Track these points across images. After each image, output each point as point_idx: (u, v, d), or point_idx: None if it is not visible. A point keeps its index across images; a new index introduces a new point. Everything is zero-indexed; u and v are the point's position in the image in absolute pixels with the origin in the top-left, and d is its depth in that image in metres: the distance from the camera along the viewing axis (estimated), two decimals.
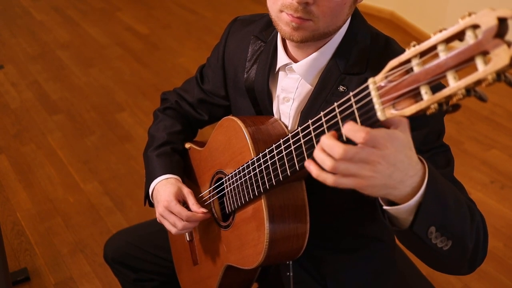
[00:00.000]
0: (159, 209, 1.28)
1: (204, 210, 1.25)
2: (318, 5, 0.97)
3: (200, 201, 1.31)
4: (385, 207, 0.85)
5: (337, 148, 0.74)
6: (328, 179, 0.77)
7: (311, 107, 1.11)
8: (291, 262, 1.24)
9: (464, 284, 2.13)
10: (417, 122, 0.91)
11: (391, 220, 0.88)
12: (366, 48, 1.08)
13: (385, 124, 0.76)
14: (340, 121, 0.78)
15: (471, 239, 0.90)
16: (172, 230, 1.27)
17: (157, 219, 1.31)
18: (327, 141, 0.75)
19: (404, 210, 0.83)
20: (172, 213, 1.26)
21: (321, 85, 1.09)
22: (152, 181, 1.35)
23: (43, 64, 3.82)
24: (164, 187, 1.30)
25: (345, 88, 1.07)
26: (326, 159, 0.76)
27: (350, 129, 0.73)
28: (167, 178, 1.33)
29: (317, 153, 0.77)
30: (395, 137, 0.75)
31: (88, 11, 4.62)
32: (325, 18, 0.99)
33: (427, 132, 1.02)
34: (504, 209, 2.45)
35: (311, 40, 1.03)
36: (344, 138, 0.76)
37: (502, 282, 2.14)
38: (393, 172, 0.76)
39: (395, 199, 0.82)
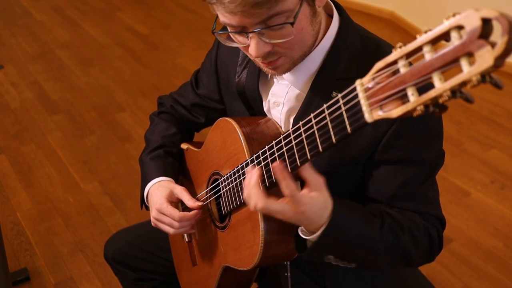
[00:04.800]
0: (153, 213, 1.29)
1: (200, 203, 1.26)
2: (279, 46, 0.98)
3: None
4: (301, 235, 1.03)
5: (260, 201, 0.94)
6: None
7: (304, 114, 1.10)
8: (288, 263, 1.24)
9: (464, 284, 2.12)
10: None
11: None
12: (356, 52, 1.06)
13: (304, 178, 0.93)
14: (329, 123, 0.78)
15: (382, 260, 1.06)
16: (170, 231, 1.28)
17: (152, 223, 1.32)
18: (254, 193, 0.95)
19: (311, 241, 1.02)
20: (166, 215, 1.26)
21: (313, 91, 1.08)
22: (146, 185, 1.36)
23: (43, 64, 3.83)
24: (156, 191, 1.31)
25: (337, 94, 1.06)
26: (261, 200, 0.95)
27: (284, 184, 0.90)
28: (159, 181, 1.34)
29: (252, 193, 0.96)
30: (315, 203, 0.93)
31: (88, 11, 4.63)
32: (293, 50, 1.00)
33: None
34: (504, 209, 2.44)
35: (294, 66, 1.06)
36: (274, 179, 0.94)
37: (502, 282, 2.13)
38: (303, 221, 0.96)
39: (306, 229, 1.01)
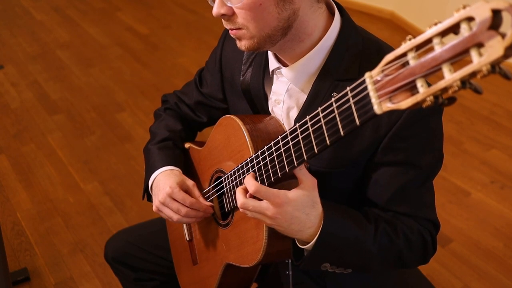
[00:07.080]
0: (160, 197, 1.26)
1: (209, 204, 1.25)
2: (237, 15, 1.01)
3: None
4: (297, 244, 1.06)
5: (238, 200, 1.00)
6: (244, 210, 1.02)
7: (304, 115, 1.10)
8: (290, 261, 1.24)
9: (464, 284, 2.12)
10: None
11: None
12: (358, 53, 1.06)
13: (297, 177, 0.98)
14: (337, 116, 0.78)
15: (376, 264, 1.08)
16: (174, 217, 1.25)
17: (155, 208, 1.29)
18: (237, 191, 1.01)
19: (307, 250, 1.05)
20: (175, 200, 1.24)
21: (314, 92, 1.08)
22: (153, 172, 1.34)
23: (43, 64, 3.83)
24: (168, 177, 1.29)
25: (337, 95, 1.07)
26: (239, 198, 1.01)
27: (246, 180, 0.99)
28: (171, 170, 1.32)
29: (237, 191, 1.02)
30: (292, 199, 0.96)
31: (88, 11, 4.63)
32: (251, 24, 1.01)
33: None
34: (504, 209, 2.45)
35: (259, 47, 1.05)
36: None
37: (502, 282, 2.13)
38: (291, 224, 0.98)
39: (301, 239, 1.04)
